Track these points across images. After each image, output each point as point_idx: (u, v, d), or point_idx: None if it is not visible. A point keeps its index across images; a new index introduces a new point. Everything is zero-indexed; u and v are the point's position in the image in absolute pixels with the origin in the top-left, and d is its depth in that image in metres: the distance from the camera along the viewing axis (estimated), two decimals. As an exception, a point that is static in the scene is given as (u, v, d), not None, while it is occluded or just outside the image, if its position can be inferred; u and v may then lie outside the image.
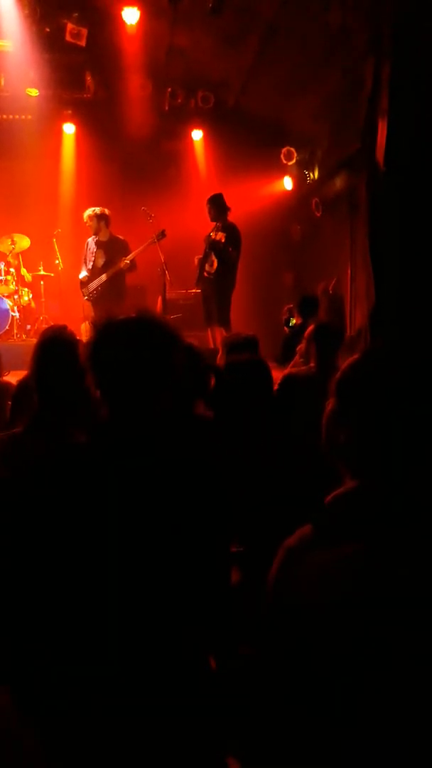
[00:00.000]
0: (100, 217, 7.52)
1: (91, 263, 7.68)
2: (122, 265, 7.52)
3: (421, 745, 1.04)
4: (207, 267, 7.56)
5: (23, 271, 8.50)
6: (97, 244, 7.66)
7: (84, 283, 7.73)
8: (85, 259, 7.76)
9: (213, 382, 3.08)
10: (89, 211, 7.55)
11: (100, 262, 7.65)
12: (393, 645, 1.06)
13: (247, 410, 2.63)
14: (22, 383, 2.68)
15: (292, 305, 6.42)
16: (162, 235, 7.53)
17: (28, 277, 8.54)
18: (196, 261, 7.74)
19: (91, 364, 1.56)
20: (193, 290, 8.22)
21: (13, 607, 1.69)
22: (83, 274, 7.73)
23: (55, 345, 2.38)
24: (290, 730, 1.15)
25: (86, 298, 7.77)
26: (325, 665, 1.10)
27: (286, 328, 6.53)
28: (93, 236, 7.68)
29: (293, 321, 6.32)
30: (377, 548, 1.12)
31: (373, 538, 1.13)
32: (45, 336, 2.52)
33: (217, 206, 7.52)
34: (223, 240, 7.39)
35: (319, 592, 1.14)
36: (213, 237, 7.48)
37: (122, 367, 1.50)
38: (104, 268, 7.62)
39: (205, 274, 7.59)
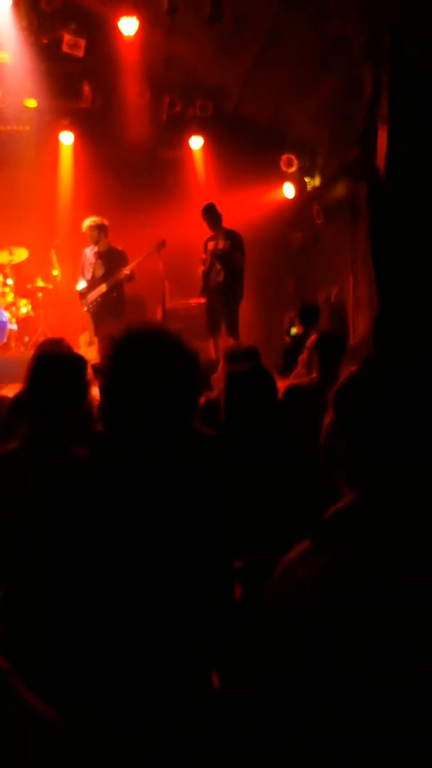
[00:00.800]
0: (100, 228, 7.49)
1: (90, 274, 7.64)
2: (121, 276, 7.47)
3: (408, 743, 1.04)
4: (214, 276, 7.52)
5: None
6: (96, 254, 7.62)
7: (83, 294, 7.68)
8: (83, 270, 7.71)
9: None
10: (89, 221, 7.50)
11: (99, 272, 7.60)
12: (369, 653, 1.06)
13: (250, 421, 2.59)
14: (18, 397, 2.65)
15: (293, 314, 6.37)
16: (162, 245, 7.49)
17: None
18: (200, 273, 7.69)
19: (109, 377, 1.55)
20: (194, 300, 8.19)
21: (17, 620, 1.66)
22: (81, 285, 7.68)
23: (50, 358, 2.36)
24: (287, 738, 1.13)
25: (85, 309, 7.72)
26: (304, 674, 1.10)
27: (287, 338, 6.47)
28: (91, 247, 7.63)
29: (294, 330, 6.26)
30: (351, 557, 1.12)
31: (349, 548, 1.13)
32: (41, 349, 2.51)
33: (212, 216, 7.52)
34: (227, 248, 7.36)
35: (297, 602, 1.15)
36: (216, 247, 7.44)
37: (141, 381, 1.50)
38: (103, 278, 7.57)
39: (212, 284, 7.55)
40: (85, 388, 2.27)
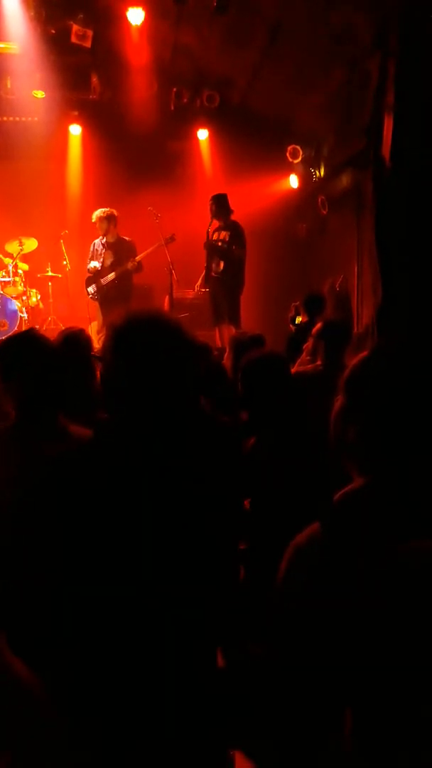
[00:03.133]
0: (110, 218, 7.59)
1: (99, 264, 7.74)
2: (129, 266, 7.57)
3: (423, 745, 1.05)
4: (214, 267, 7.61)
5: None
6: (105, 245, 7.71)
7: (89, 281, 7.74)
8: (91, 260, 7.81)
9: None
10: (99, 212, 7.59)
11: (108, 262, 7.70)
12: (417, 653, 1.07)
13: (266, 407, 2.62)
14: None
15: (297, 303, 6.42)
16: (171, 239, 7.60)
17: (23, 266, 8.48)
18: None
19: (108, 363, 1.54)
20: (201, 289, 8.27)
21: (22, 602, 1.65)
22: (93, 264, 7.74)
23: (28, 344, 2.30)
24: (294, 725, 1.16)
25: (90, 296, 7.82)
26: (342, 670, 1.11)
27: (291, 326, 6.52)
28: (100, 237, 7.73)
29: (299, 319, 6.31)
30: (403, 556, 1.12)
31: (397, 546, 1.13)
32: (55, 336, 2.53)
33: (220, 205, 7.56)
34: (226, 239, 7.43)
35: (345, 600, 1.14)
36: (218, 237, 7.51)
37: (139, 367, 1.48)
38: (112, 268, 7.67)
39: (213, 273, 7.63)
40: (56, 366, 2.24)
